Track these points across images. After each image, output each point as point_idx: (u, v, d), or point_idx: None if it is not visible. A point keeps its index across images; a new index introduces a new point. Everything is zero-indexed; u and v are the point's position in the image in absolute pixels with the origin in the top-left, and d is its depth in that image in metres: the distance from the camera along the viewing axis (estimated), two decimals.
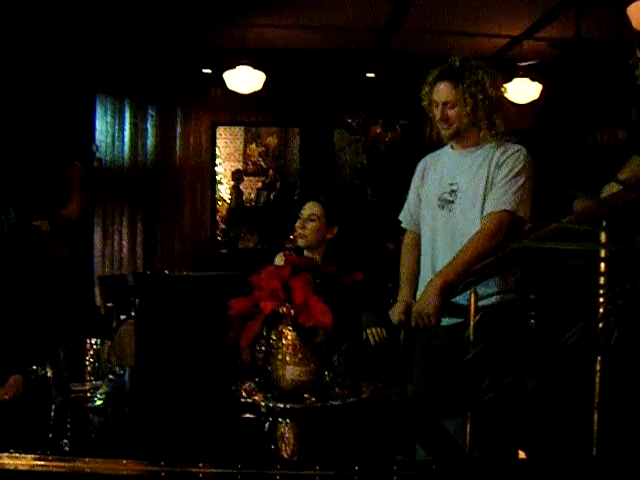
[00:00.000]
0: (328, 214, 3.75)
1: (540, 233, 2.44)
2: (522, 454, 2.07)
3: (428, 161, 3.30)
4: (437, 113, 3.03)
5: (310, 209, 3.75)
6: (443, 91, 3.01)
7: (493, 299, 2.82)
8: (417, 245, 3.31)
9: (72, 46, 7.38)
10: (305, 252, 3.77)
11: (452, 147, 3.14)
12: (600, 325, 1.77)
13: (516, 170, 2.92)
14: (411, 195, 3.38)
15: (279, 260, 3.73)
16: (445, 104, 3.01)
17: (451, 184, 3.07)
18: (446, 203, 3.06)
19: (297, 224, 3.76)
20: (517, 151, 2.98)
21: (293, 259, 2.42)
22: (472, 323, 2.56)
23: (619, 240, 1.82)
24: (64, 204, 3.05)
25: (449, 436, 2.02)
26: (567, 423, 2.30)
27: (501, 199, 2.89)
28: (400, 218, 3.48)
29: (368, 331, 3.65)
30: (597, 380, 2.05)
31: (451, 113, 3.00)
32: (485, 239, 2.82)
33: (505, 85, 3.18)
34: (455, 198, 3.04)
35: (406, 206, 3.44)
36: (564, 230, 2.16)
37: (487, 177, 2.95)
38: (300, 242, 3.74)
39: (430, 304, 2.80)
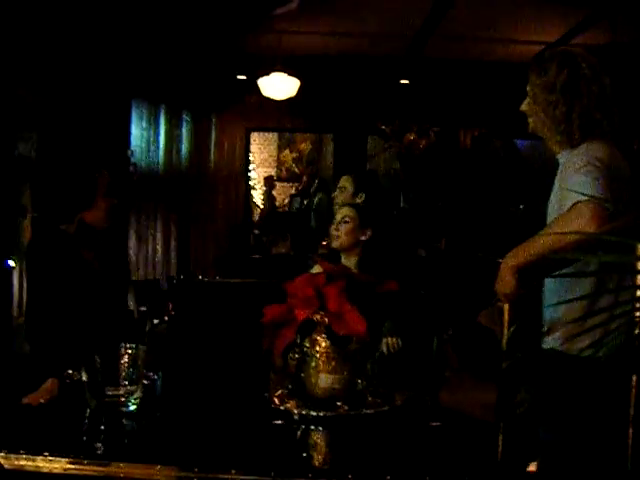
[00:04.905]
0: (361, 216, 3.78)
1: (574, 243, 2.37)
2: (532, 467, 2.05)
3: None
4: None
5: (343, 212, 3.80)
6: None
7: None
8: None
9: (108, 52, 7.45)
10: (342, 256, 3.79)
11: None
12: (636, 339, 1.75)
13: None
14: None
15: (316, 270, 3.75)
16: None
17: None
18: None
19: (332, 227, 3.81)
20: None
21: (328, 267, 2.41)
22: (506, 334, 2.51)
23: None
24: (87, 208, 3.08)
25: (482, 446, 2.01)
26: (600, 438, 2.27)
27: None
28: None
29: (384, 340, 3.64)
30: (633, 393, 2.02)
31: None
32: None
33: None
34: None
35: None
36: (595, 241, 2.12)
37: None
38: (334, 244, 3.78)
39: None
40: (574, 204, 2.32)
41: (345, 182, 4.57)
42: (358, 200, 4.28)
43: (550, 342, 2.51)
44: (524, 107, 2.78)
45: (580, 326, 2.24)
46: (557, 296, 2.57)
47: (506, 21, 7.18)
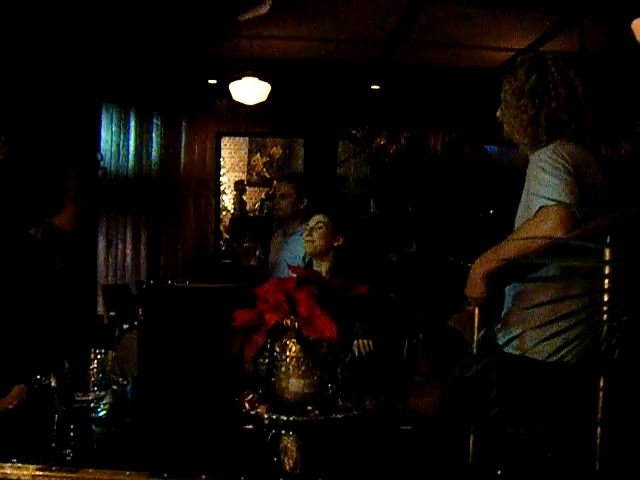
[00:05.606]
0: (334, 223, 3.83)
1: (542, 248, 2.39)
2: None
3: None
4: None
5: (317, 219, 3.84)
6: None
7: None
8: None
9: (78, 55, 7.40)
10: (314, 262, 3.84)
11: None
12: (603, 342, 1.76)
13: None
14: None
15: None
16: None
17: None
18: None
19: (304, 234, 3.85)
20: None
21: (298, 271, 2.42)
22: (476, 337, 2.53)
23: (623, 256, 1.81)
24: (55, 213, 3.06)
25: (454, 447, 2.02)
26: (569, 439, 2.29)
27: None
28: None
29: (355, 342, 3.66)
30: (600, 395, 2.04)
31: None
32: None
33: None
34: None
35: None
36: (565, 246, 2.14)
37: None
38: (309, 249, 3.82)
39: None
40: (540, 208, 2.34)
41: (286, 188, 4.61)
42: (301, 206, 4.39)
43: (515, 347, 2.53)
44: (498, 114, 2.80)
45: (543, 332, 2.24)
46: (517, 302, 2.60)
47: (476, 28, 7.23)
